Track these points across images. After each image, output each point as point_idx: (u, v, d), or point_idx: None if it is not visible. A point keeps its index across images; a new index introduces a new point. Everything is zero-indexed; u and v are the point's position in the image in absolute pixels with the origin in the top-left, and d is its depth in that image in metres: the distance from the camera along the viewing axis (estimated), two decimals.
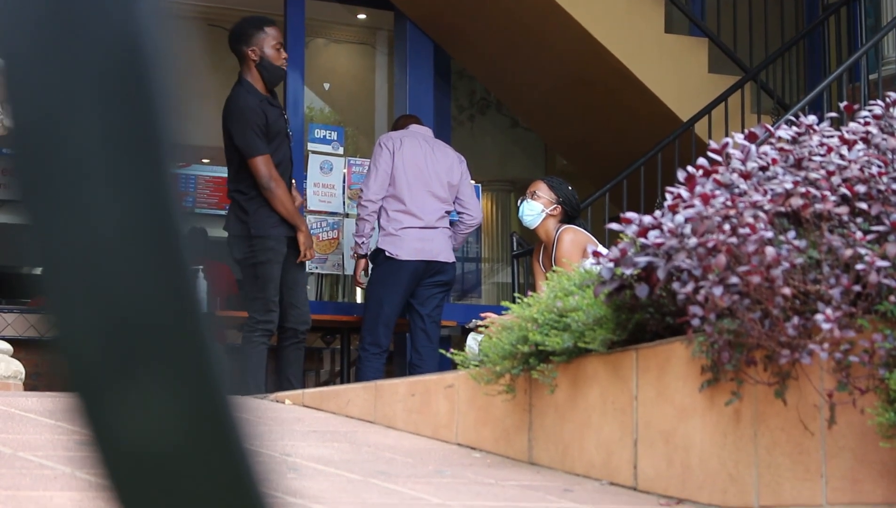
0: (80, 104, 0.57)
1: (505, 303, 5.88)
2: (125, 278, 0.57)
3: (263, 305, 8.30)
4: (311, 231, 9.42)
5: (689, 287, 4.58)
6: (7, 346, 7.32)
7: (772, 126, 5.35)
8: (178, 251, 0.58)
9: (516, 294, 6.30)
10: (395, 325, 9.11)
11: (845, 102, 5.40)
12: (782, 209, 4.68)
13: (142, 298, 0.57)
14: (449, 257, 9.19)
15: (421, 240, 9.04)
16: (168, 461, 0.58)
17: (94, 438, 0.58)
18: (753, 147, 5.05)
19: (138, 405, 0.57)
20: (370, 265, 9.22)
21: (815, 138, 5.07)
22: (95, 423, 0.58)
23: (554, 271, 5.83)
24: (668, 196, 4.99)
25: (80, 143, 0.57)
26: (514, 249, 10.32)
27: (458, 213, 9.38)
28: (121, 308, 0.57)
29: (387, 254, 8.99)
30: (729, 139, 5.16)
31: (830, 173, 4.78)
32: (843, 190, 4.70)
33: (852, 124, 5.15)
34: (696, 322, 4.58)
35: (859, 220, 4.67)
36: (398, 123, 9.73)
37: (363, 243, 9.04)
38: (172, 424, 0.58)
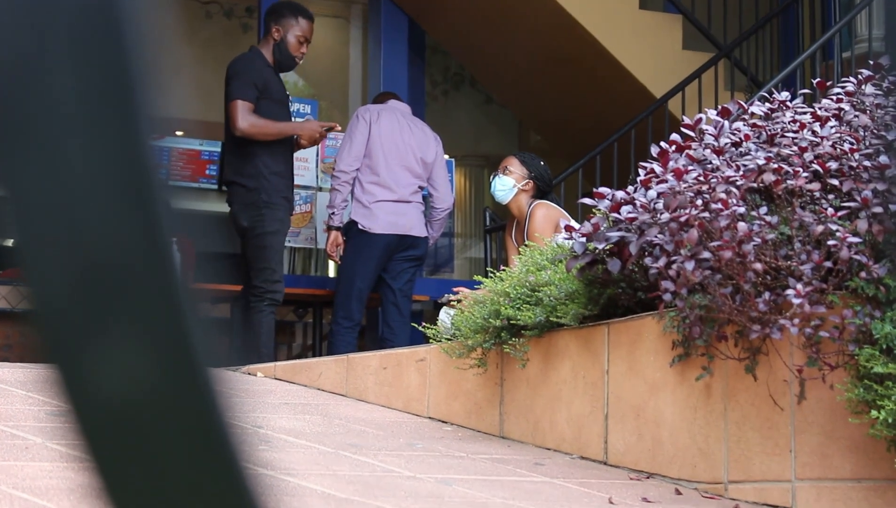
0: (52, 56, 0.57)
1: (478, 278, 5.88)
2: (100, 232, 0.57)
3: (270, 274, 8.32)
4: None
5: (661, 262, 4.59)
6: None
7: (745, 102, 5.36)
8: (154, 206, 0.58)
9: (489, 269, 6.31)
10: (367, 299, 9.10)
11: (818, 80, 5.41)
12: (754, 185, 4.69)
13: (116, 251, 0.57)
14: (421, 231, 9.18)
15: (394, 214, 9.03)
16: (141, 414, 0.58)
17: (68, 393, 0.58)
18: (726, 123, 5.06)
19: (111, 357, 0.57)
20: (342, 238, 9.20)
21: (788, 115, 5.08)
22: (68, 377, 0.58)
23: (527, 246, 5.84)
24: (641, 171, 5.00)
25: (53, 94, 0.57)
26: (487, 224, 10.32)
27: (430, 195, 9.37)
28: (95, 262, 0.57)
29: (360, 227, 8.97)
30: (702, 115, 5.17)
31: (803, 150, 4.80)
32: (815, 166, 4.71)
33: (825, 101, 5.17)
34: (667, 297, 4.59)
35: (831, 196, 4.69)
36: (377, 100, 9.71)
37: (334, 214, 9.02)
38: (145, 376, 0.58)
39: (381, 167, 9.02)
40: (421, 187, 9.28)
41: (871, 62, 5.38)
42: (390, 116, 9.17)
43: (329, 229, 9.12)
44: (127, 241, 0.57)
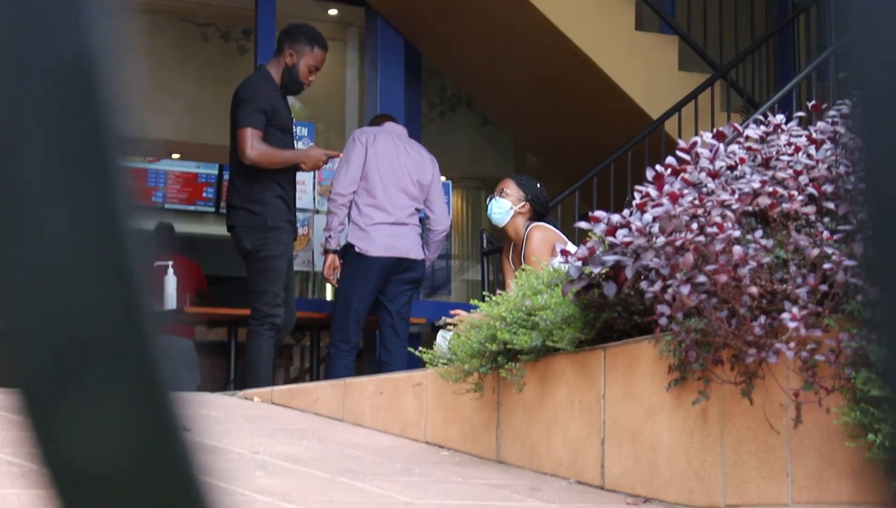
0: (27, 109, 0.56)
1: (474, 302, 5.88)
2: (73, 290, 0.57)
3: (272, 298, 8.31)
4: None
5: (657, 286, 4.59)
6: None
7: (741, 125, 5.36)
8: (128, 263, 0.57)
9: (485, 293, 6.30)
10: (364, 321, 9.10)
11: (813, 102, 5.41)
12: (750, 208, 4.69)
13: (90, 310, 0.57)
14: (418, 254, 9.19)
15: (391, 236, 9.03)
16: (113, 478, 0.58)
17: (45, 460, 0.58)
18: (722, 146, 5.06)
19: (84, 421, 0.57)
20: (339, 261, 9.19)
21: (783, 138, 5.08)
22: (42, 436, 0.58)
23: (523, 269, 5.83)
24: (636, 195, 5.00)
25: (26, 152, 0.57)
26: (484, 246, 10.31)
27: (426, 217, 9.37)
28: (72, 335, 0.57)
29: (356, 250, 8.97)
30: (697, 138, 5.18)
31: (798, 173, 4.80)
32: (811, 190, 4.71)
33: (820, 124, 5.17)
34: (663, 321, 4.59)
35: (826, 219, 4.69)
36: (374, 122, 9.71)
37: (331, 237, 9.02)
38: (119, 441, 0.58)
39: (377, 190, 9.02)
40: (417, 210, 9.28)
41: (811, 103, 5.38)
42: (386, 139, 9.18)
43: (326, 252, 9.12)
44: (105, 314, 0.57)
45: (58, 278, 0.57)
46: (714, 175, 4.87)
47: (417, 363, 6.60)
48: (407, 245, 9.11)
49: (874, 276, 0.57)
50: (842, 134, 5.01)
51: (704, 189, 4.83)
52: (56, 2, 0.57)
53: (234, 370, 9.34)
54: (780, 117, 5.25)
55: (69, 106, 0.57)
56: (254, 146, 8.23)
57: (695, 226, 4.56)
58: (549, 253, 7.59)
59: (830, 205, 4.67)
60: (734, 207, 4.64)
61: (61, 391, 0.58)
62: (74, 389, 0.58)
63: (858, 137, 0.58)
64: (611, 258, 4.86)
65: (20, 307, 0.58)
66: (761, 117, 5.63)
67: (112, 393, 0.58)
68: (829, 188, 4.71)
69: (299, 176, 9.46)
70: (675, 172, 5.02)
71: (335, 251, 9.09)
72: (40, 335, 0.57)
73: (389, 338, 9.10)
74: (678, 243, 4.55)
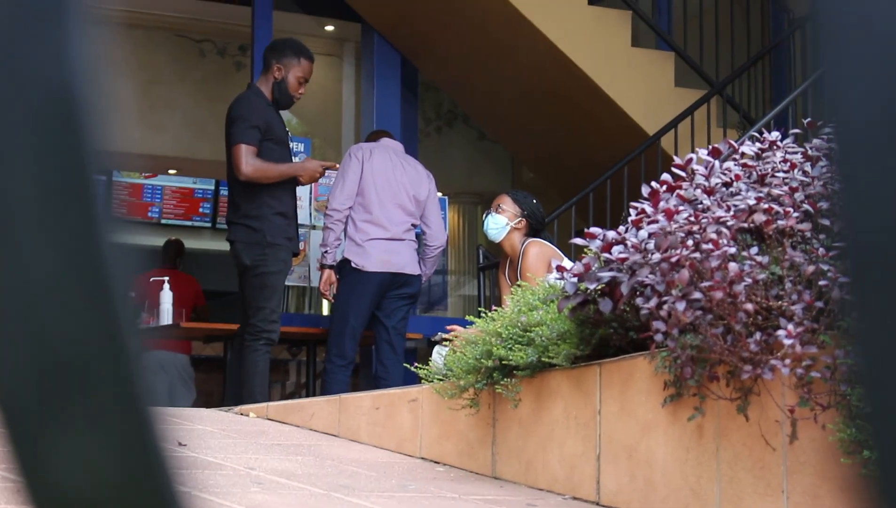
0: (9, 139, 0.57)
1: (470, 317, 5.88)
2: (56, 318, 0.57)
3: (268, 314, 8.31)
4: None
5: (653, 302, 4.59)
6: None
7: (737, 141, 5.37)
8: (111, 291, 0.57)
9: (481, 308, 6.30)
10: (360, 337, 9.10)
11: (809, 119, 5.42)
12: (745, 225, 4.70)
13: (73, 337, 0.57)
14: (414, 269, 9.20)
15: (387, 252, 9.04)
16: (97, 502, 0.58)
17: (25, 478, 0.58)
18: (717, 163, 5.07)
19: (68, 447, 0.57)
20: (335, 276, 9.20)
21: (779, 154, 5.09)
22: (25, 464, 0.58)
23: (519, 284, 5.84)
24: (632, 211, 5.00)
25: (9, 179, 0.57)
26: (481, 262, 10.32)
27: (422, 232, 9.38)
28: (51, 348, 0.57)
29: (353, 265, 8.97)
30: (693, 155, 5.18)
31: (793, 190, 4.80)
32: (806, 206, 4.72)
33: (816, 141, 5.17)
34: (659, 337, 4.59)
35: (822, 236, 4.69)
36: (370, 138, 9.72)
37: (327, 252, 9.03)
38: (102, 467, 0.58)
39: (373, 205, 9.04)
40: (414, 225, 9.29)
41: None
42: (383, 155, 9.19)
43: (322, 267, 9.12)
44: (88, 336, 0.57)
45: (40, 299, 0.57)
46: (709, 192, 4.88)
47: (413, 379, 6.60)
48: (403, 261, 9.12)
49: (851, 311, 0.58)
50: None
51: (700, 206, 4.84)
52: (38, 18, 0.57)
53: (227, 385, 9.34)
54: (775, 134, 5.26)
55: (51, 123, 0.57)
56: (248, 162, 8.24)
57: (690, 243, 4.57)
58: (545, 269, 7.59)
59: (826, 222, 4.67)
60: (730, 223, 4.65)
61: (44, 414, 0.58)
62: (57, 412, 0.58)
63: (835, 175, 0.58)
64: (606, 275, 4.87)
65: (3, 336, 0.58)
66: (757, 134, 5.64)
67: (95, 416, 0.58)
68: (824, 205, 4.71)
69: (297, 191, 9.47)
70: (671, 189, 5.03)
71: (331, 267, 9.09)
72: (22, 358, 0.57)
73: (385, 354, 9.10)
74: (674, 259, 4.56)
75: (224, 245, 8.80)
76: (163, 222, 14.76)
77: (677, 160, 5.18)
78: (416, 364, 6.08)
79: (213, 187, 15.04)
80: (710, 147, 5.22)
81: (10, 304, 0.57)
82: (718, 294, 4.41)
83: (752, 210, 4.70)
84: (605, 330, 5.09)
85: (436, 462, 5.84)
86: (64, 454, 0.57)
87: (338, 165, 8.98)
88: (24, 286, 0.57)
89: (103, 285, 0.57)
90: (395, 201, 9.13)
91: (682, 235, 4.62)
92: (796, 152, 5.09)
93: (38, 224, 0.56)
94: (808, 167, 4.93)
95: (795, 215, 4.67)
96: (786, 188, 4.81)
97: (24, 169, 0.56)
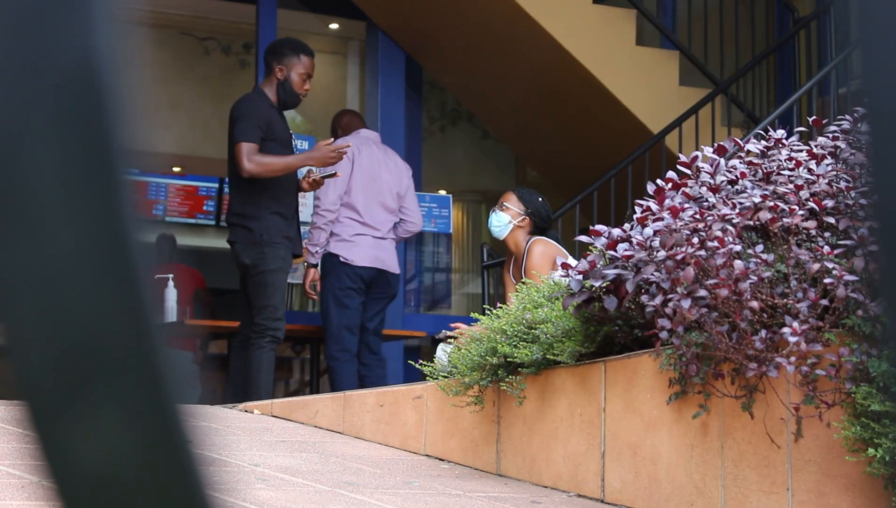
0: (33, 121, 0.57)
1: (475, 315, 5.88)
2: (78, 299, 0.57)
3: (272, 312, 8.32)
4: None
5: (658, 300, 4.59)
6: None
7: (741, 139, 5.37)
8: (133, 273, 0.58)
9: (485, 306, 6.30)
10: (358, 328, 9.11)
11: (814, 117, 5.42)
12: (750, 223, 4.70)
13: (95, 319, 0.57)
14: (395, 268, 9.31)
15: (375, 248, 9.12)
16: (120, 487, 0.58)
17: (47, 461, 0.58)
18: (722, 161, 5.07)
19: (91, 429, 0.57)
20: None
21: (784, 152, 5.09)
22: (48, 446, 0.58)
23: (524, 282, 5.83)
24: (637, 209, 5.00)
25: (33, 161, 0.57)
26: (485, 260, 10.31)
27: (402, 219, 9.43)
28: (74, 330, 0.57)
29: (341, 260, 9.01)
30: (698, 153, 5.18)
31: (799, 188, 4.80)
32: (812, 204, 4.72)
33: (821, 139, 5.17)
34: (664, 335, 4.59)
35: (827, 234, 4.69)
36: (342, 120, 9.70)
37: (317, 252, 9.07)
38: (125, 448, 0.58)
39: (359, 204, 9.12)
40: (395, 224, 9.39)
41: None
42: (369, 152, 9.25)
43: (308, 266, 9.15)
44: (109, 320, 0.57)
45: (63, 287, 0.57)
46: (715, 190, 4.88)
47: (417, 376, 6.60)
48: (389, 258, 9.24)
49: (878, 291, 0.57)
50: (842, 149, 5.02)
51: (705, 203, 4.84)
52: (64, 11, 0.57)
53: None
54: (780, 132, 5.26)
55: (76, 115, 0.57)
56: (251, 159, 8.24)
57: (696, 240, 4.57)
58: (549, 267, 7.58)
59: (831, 220, 4.68)
60: (735, 221, 4.65)
61: (67, 402, 0.58)
62: (80, 399, 0.58)
63: (865, 148, 0.58)
64: (611, 272, 4.87)
65: (26, 318, 0.58)
66: (762, 132, 5.63)
67: (118, 403, 0.58)
68: (829, 203, 4.71)
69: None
70: (676, 187, 5.03)
71: (315, 266, 9.13)
72: (46, 345, 0.58)
73: (363, 354, 9.16)
74: (679, 257, 4.56)
75: None
76: (167, 219, 14.77)
77: (683, 158, 5.18)
78: (420, 362, 6.08)
79: (216, 185, 15.05)
80: (716, 145, 5.22)
81: (32, 284, 0.57)
82: (724, 292, 4.41)
83: (757, 208, 4.70)
84: (610, 328, 5.09)
85: (440, 459, 5.84)
86: (86, 435, 0.57)
87: (350, 144, 8.96)
88: (46, 270, 0.57)
89: (126, 266, 0.57)
90: (379, 200, 9.22)
91: (688, 232, 4.62)
92: (801, 150, 5.10)
93: (61, 202, 0.56)
94: (813, 165, 4.93)
95: (801, 212, 4.67)
96: (791, 186, 4.81)
97: (48, 147, 0.56)
